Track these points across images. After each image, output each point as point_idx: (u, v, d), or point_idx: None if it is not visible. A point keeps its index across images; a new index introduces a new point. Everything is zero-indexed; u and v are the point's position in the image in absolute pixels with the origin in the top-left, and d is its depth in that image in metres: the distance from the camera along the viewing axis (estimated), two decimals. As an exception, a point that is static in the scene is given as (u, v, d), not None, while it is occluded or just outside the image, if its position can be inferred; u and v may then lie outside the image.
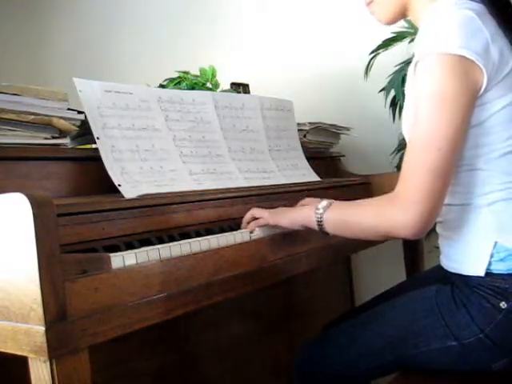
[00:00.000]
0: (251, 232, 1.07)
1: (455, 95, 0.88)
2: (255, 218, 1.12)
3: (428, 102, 0.89)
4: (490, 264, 0.93)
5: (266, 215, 1.11)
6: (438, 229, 1.06)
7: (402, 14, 1.07)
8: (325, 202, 1.03)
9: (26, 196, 0.67)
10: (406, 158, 0.92)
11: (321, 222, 1.02)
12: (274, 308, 1.66)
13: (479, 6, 0.93)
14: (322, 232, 1.04)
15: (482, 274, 0.94)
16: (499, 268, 0.93)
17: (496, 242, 0.93)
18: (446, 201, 0.96)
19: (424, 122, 0.89)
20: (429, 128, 0.88)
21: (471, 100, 0.90)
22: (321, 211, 1.02)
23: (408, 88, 1.03)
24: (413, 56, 0.98)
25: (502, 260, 0.93)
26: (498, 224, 0.94)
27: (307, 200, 1.21)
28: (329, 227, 1.02)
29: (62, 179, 1.08)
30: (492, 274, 0.93)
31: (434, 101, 0.88)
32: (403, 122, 1.05)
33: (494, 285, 0.92)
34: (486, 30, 0.90)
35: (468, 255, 0.97)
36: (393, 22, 1.10)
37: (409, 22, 1.75)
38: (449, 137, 0.87)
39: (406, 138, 1.03)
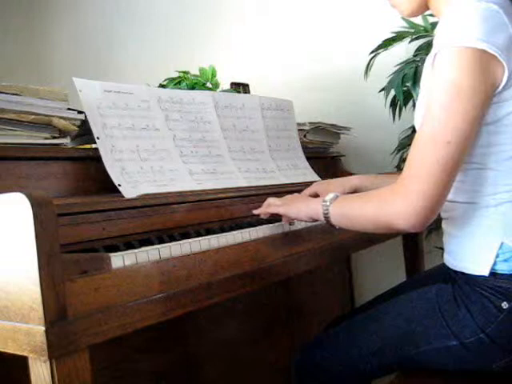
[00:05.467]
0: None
1: (471, 88, 0.85)
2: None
3: (442, 92, 0.87)
4: (494, 264, 0.93)
5: (279, 203, 1.13)
6: (443, 225, 1.05)
7: (425, 6, 1.03)
8: (332, 195, 1.02)
9: (26, 196, 0.67)
10: (412, 148, 0.90)
11: (327, 215, 1.01)
12: (273, 308, 1.66)
13: (504, 1, 0.90)
14: (328, 224, 1.03)
15: (486, 273, 0.93)
16: (503, 268, 0.92)
17: (502, 243, 0.92)
18: (454, 198, 0.96)
19: (436, 113, 0.87)
20: (439, 119, 0.86)
21: (488, 95, 0.88)
22: (327, 204, 1.01)
23: (424, 80, 1.01)
24: (427, 48, 0.95)
25: (505, 260, 0.92)
26: (504, 225, 0.93)
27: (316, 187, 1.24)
28: (334, 220, 1.01)
29: (61, 179, 1.08)
30: (495, 274, 0.93)
31: (449, 92, 0.86)
32: (416, 115, 1.03)
33: (497, 285, 0.92)
34: (510, 25, 0.87)
35: (473, 254, 0.96)
36: (416, 13, 1.07)
37: (409, 21, 1.76)
38: (459, 130, 0.85)
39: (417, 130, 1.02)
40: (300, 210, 1.08)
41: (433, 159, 0.86)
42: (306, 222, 1.12)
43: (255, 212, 1.17)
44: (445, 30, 0.90)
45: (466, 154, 0.90)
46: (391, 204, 0.89)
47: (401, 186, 0.89)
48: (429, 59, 0.95)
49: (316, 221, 1.08)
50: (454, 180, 0.89)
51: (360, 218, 0.97)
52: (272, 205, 1.14)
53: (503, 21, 0.87)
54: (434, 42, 0.94)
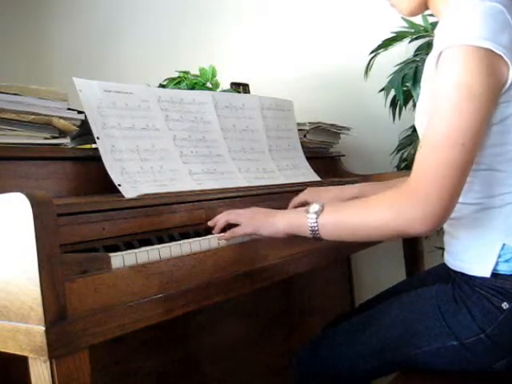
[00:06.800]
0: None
1: (481, 89, 0.84)
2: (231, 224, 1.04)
3: (452, 93, 0.85)
4: (495, 264, 0.93)
5: (243, 221, 1.02)
6: (445, 226, 1.04)
7: (424, 6, 1.02)
8: (316, 206, 0.96)
9: (26, 196, 0.67)
10: (424, 151, 0.87)
11: (315, 227, 0.95)
12: (273, 308, 1.66)
13: (507, 0, 0.88)
14: (314, 238, 0.97)
15: (487, 274, 0.93)
16: (503, 269, 0.92)
17: (504, 244, 0.92)
18: (461, 199, 0.95)
19: (447, 114, 0.85)
20: (452, 121, 0.85)
21: (496, 95, 0.87)
22: (314, 216, 0.95)
23: (426, 80, 0.99)
24: (429, 47, 0.93)
25: (506, 261, 0.92)
26: (506, 226, 0.93)
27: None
28: (326, 232, 0.95)
29: (61, 179, 1.08)
30: (496, 275, 0.93)
31: (459, 93, 0.85)
32: (417, 115, 1.02)
33: (497, 285, 0.92)
34: None
35: (475, 255, 0.96)
36: (415, 13, 1.06)
37: (409, 21, 1.76)
38: (472, 132, 0.84)
39: (418, 130, 1.01)
40: (275, 227, 1.00)
41: (449, 161, 0.84)
42: (282, 237, 1.02)
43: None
44: (448, 30, 0.89)
45: (475, 155, 0.89)
46: (410, 210, 0.86)
47: (416, 190, 0.86)
48: (431, 59, 0.93)
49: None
50: (466, 180, 0.88)
51: (363, 226, 0.92)
52: (233, 222, 1.03)
53: (507, 20, 0.86)
54: (436, 42, 0.93)
